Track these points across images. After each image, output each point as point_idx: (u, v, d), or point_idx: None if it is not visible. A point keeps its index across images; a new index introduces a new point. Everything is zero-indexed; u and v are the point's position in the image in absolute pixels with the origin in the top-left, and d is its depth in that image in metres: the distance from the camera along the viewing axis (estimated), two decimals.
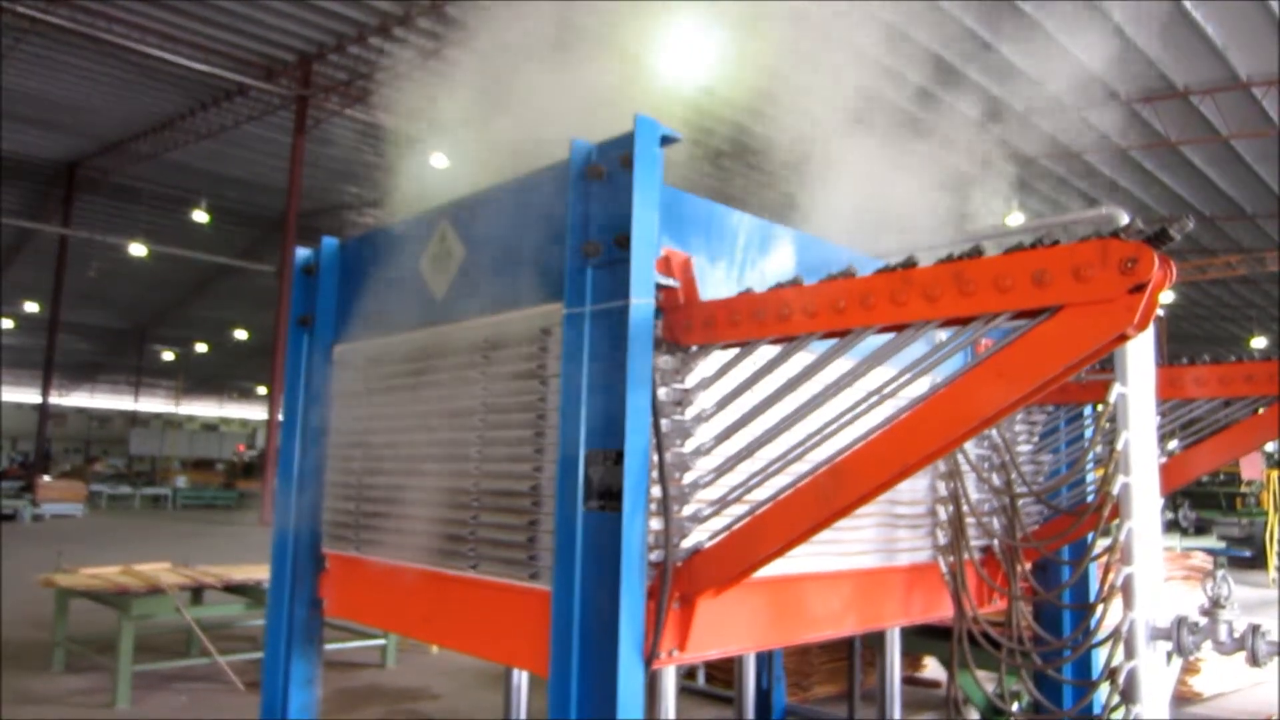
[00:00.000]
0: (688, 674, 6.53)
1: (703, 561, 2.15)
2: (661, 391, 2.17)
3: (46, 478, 25.37)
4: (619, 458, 2.05)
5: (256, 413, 56.26)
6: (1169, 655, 2.80)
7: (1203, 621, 2.81)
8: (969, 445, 3.10)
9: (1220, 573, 2.89)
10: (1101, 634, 2.88)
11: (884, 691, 3.57)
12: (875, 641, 3.65)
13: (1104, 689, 2.84)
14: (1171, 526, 15.36)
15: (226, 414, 62.81)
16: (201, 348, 48.96)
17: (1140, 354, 2.95)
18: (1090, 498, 3.36)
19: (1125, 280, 1.56)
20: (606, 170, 2.21)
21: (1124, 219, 3.00)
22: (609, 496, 2.06)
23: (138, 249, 28.11)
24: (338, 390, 3.17)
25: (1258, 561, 15.52)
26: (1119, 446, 2.87)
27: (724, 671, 6.26)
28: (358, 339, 3.12)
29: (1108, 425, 2.97)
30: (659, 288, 2.18)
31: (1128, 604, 2.80)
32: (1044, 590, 3.41)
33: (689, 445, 2.20)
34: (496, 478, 2.46)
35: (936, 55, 14.72)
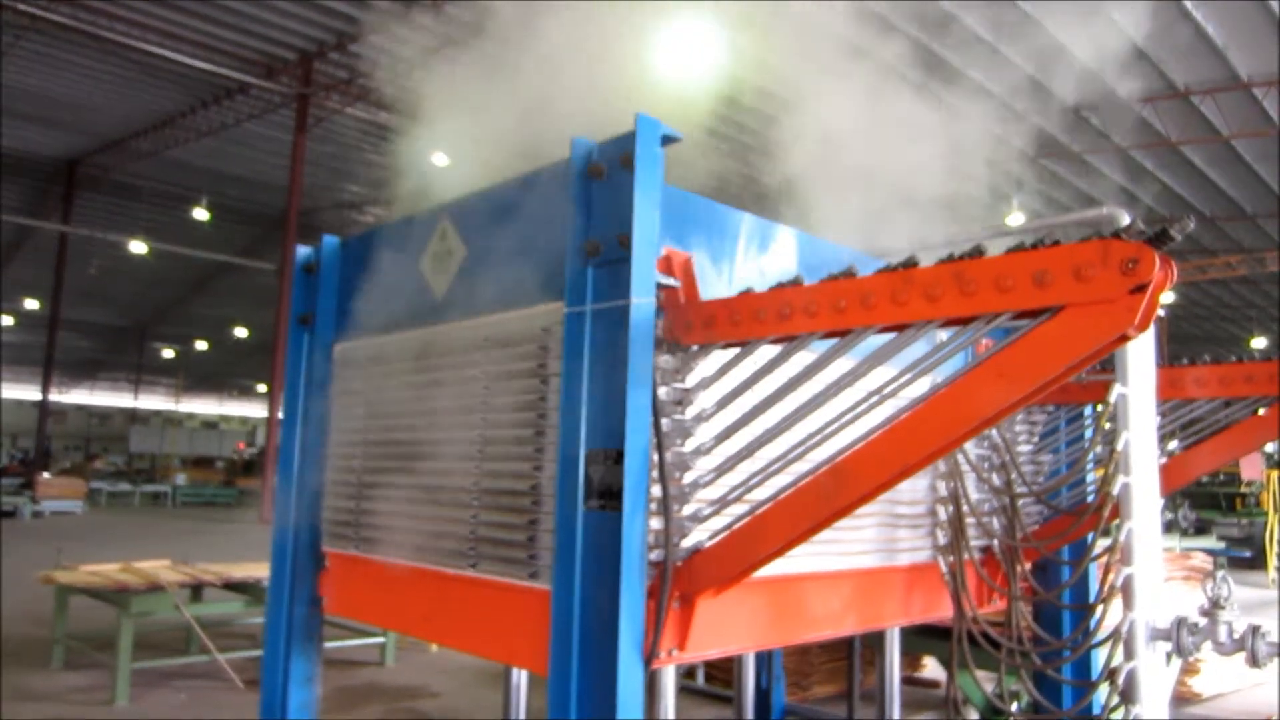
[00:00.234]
0: (687, 673, 6.53)
1: (703, 561, 2.15)
2: (662, 391, 2.17)
3: (46, 475, 25.36)
4: (619, 457, 2.05)
5: (256, 410, 56.27)
6: (1168, 656, 2.80)
7: (1202, 622, 2.81)
8: (969, 445, 3.10)
9: (1220, 573, 2.89)
10: (1101, 634, 2.88)
11: (883, 691, 3.57)
12: (875, 641, 3.65)
13: (1103, 689, 2.84)
14: (1171, 527, 15.36)
15: (226, 412, 62.82)
16: (202, 345, 48.96)
17: (1141, 354, 2.95)
18: (1090, 498, 3.36)
19: (1126, 281, 1.56)
20: (607, 169, 2.21)
21: (1125, 219, 2.99)
22: (609, 496, 2.06)
23: (138, 246, 28.11)
24: (338, 389, 3.17)
25: (1257, 562, 15.52)
26: (1119, 447, 2.87)
27: (723, 671, 6.27)
28: (358, 337, 3.12)
29: (1108, 425, 2.97)
30: (660, 287, 2.18)
31: (1127, 604, 2.80)
32: (1044, 590, 3.42)
33: (689, 445, 2.20)
34: (497, 476, 2.46)
35: (936, 55, 14.72)
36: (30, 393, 43.55)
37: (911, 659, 6.72)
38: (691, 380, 2.24)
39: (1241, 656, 2.80)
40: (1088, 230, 1.73)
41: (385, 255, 3.05)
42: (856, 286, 1.89)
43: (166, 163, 26.22)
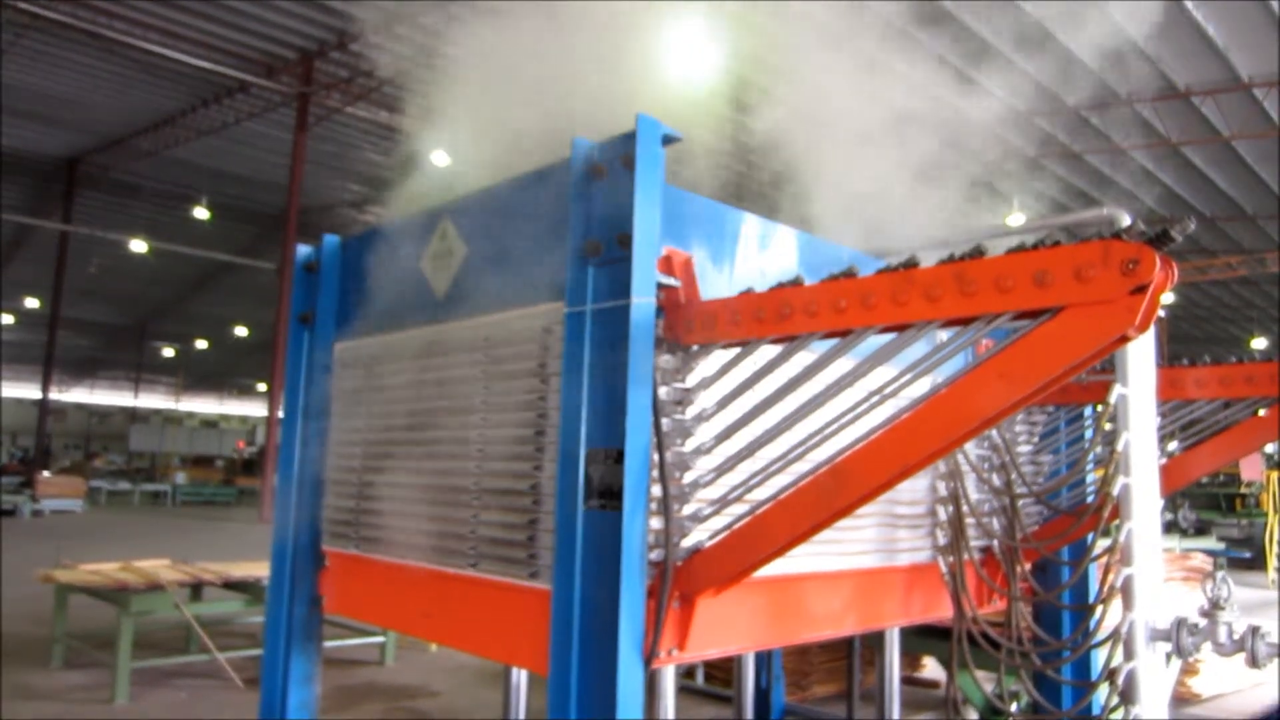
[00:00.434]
0: (687, 673, 6.53)
1: (703, 561, 2.15)
2: (662, 390, 2.17)
3: (46, 473, 25.36)
4: (619, 456, 2.05)
5: (256, 409, 56.25)
6: (1168, 656, 2.80)
7: (1202, 623, 2.81)
8: (969, 445, 3.10)
9: (1220, 574, 2.89)
10: (1101, 635, 2.88)
11: (883, 691, 3.57)
12: (874, 641, 3.65)
13: (1103, 690, 2.84)
14: (1171, 527, 15.37)
15: (226, 410, 62.81)
16: (202, 344, 48.96)
17: (1141, 355, 2.95)
18: (1090, 498, 3.36)
19: (1127, 281, 1.56)
20: (608, 169, 2.21)
21: (1126, 220, 2.99)
22: (609, 495, 2.06)
23: (138, 245, 28.11)
24: (338, 388, 3.17)
25: (1257, 563, 15.53)
26: (1119, 447, 2.87)
27: (723, 670, 6.27)
28: (359, 337, 3.12)
29: (1108, 426, 2.97)
30: (660, 287, 2.18)
31: (1127, 605, 2.80)
32: (1043, 591, 3.42)
33: (689, 444, 2.20)
34: (497, 476, 2.46)
35: (936, 55, 14.71)
36: (30, 391, 43.55)
37: (911, 659, 6.72)
38: (692, 380, 2.24)
39: (1241, 657, 2.80)
40: (1088, 230, 1.73)
41: (386, 254, 3.05)
42: (857, 286, 1.89)
43: (167, 161, 26.21)
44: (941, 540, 3.07)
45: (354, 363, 3.12)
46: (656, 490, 2.11)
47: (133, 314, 43.36)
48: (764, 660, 4.51)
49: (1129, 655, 2.77)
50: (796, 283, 2.02)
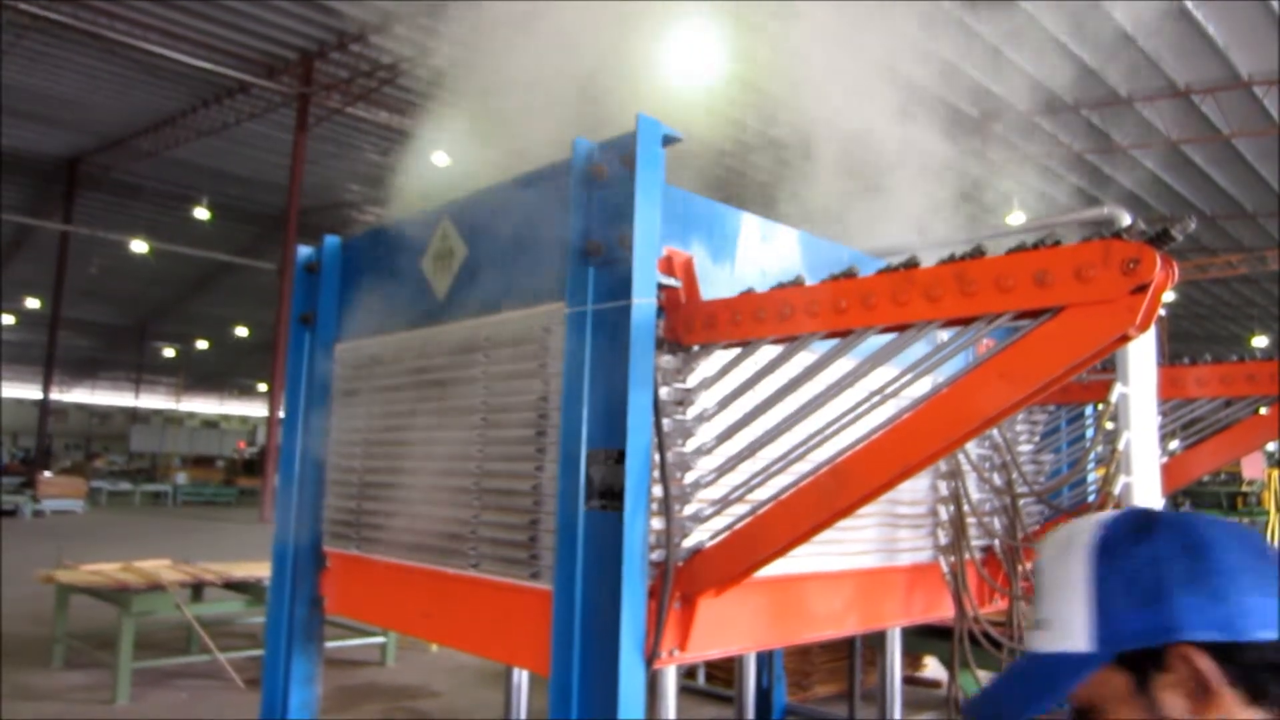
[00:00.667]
0: (688, 673, 6.53)
1: (704, 561, 2.15)
2: (663, 391, 2.17)
3: (47, 474, 25.38)
4: (620, 457, 2.05)
5: (257, 410, 56.27)
6: None
7: None
8: (970, 445, 3.10)
9: None
10: None
11: (884, 691, 3.57)
12: (876, 641, 3.65)
13: None
14: None
15: (227, 411, 62.85)
16: (202, 344, 48.99)
17: (1142, 354, 2.94)
18: (1091, 498, 3.36)
19: (1127, 281, 1.56)
20: (608, 170, 2.21)
21: (1126, 219, 2.99)
22: (610, 496, 2.06)
23: (139, 246, 28.12)
24: (339, 388, 3.17)
25: None
26: (1120, 446, 2.87)
27: (724, 671, 6.27)
28: (359, 337, 3.12)
29: (1109, 425, 2.97)
30: (661, 287, 2.18)
31: None
32: None
33: (690, 445, 2.20)
34: (498, 476, 2.46)
35: (936, 54, 14.71)
36: (31, 391, 43.58)
37: (913, 659, 6.72)
38: (693, 380, 2.24)
39: None
40: (1088, 230, 1.73)
41: (386, 255, 3.05)
42: (857, 286, 1.89)
43: (167, 162, 26.22)
44: (943, 540, 3.07)
45: (355, 363, 3.12)
46: (658, 491, 2.10)
47: (133, 314, 43.39)
48: (765, 660, 4.50)
49: None
50: (797, 283, 2.02)
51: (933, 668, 6.93)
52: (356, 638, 7.32)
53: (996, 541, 3.22)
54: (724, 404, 2.18)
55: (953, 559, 3.03)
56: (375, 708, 6.21)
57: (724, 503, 2.17)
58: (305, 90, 20.86)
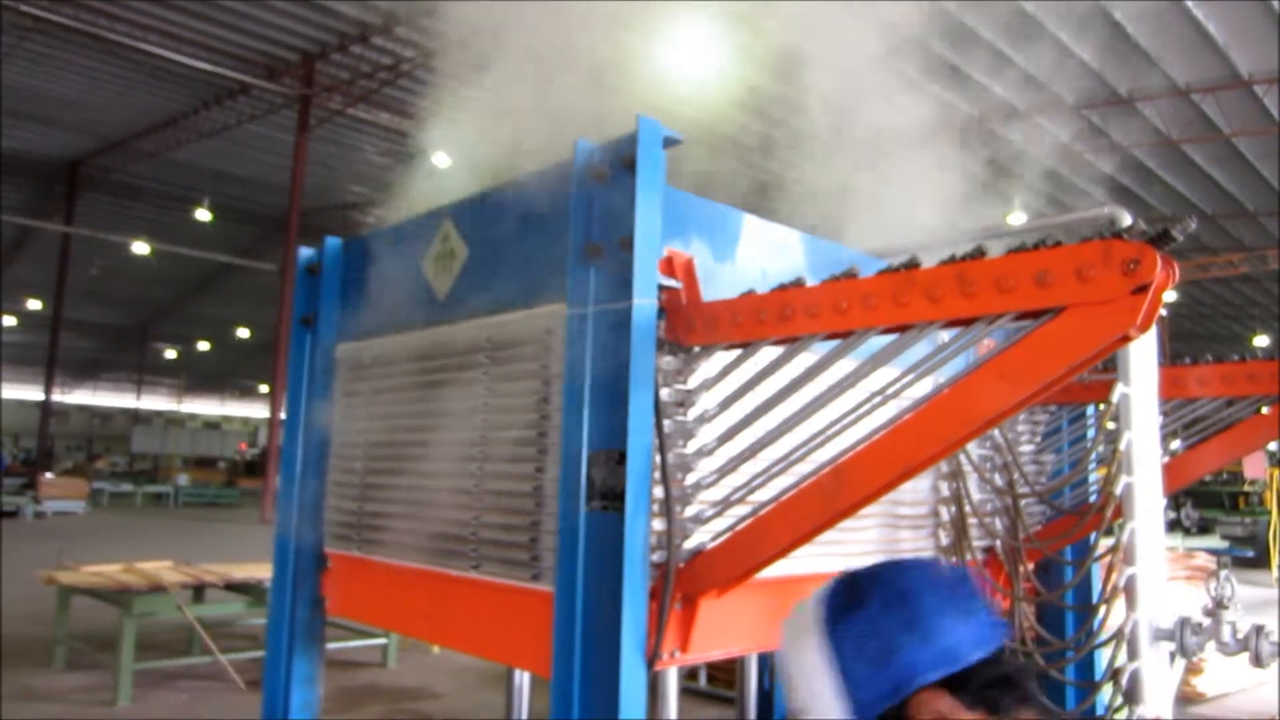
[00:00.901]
0: (689, 675, 6.53)
1: (705, 562, 2.15)
2: (664, 392, 2.17)
3: (49, 475, 25.40)
4: (621, 458, 2.05)
5: (258, 411, 56.27)
6: (1172, 656, 2.80)
7: (1206, 622, 2.80)
8: (971, 445, 3.09)
9: (1223, 573, 2.89)
10: (1104, 635, 2.87)
11: None
12: None
13: (1107, 690, 2.83)
14: (1175, 526, 15.35)
15: (228, 412, 62.88)
16: (204, 346, 49.02)
17: (1143, 354, 2.94)
18: (1093, 498, 3.36)
19: (1128, 281, 1.56)
20: (609, 171, 2.21)
21: (1127, 219, 2.99)
22: (611, 497, 2.06)
23: (140, 247, 28.13)
24: (340, 390, 3.17)
25: (1261, 561, 15.51)
26: (1122, 446, 2.86)
27: (726, 672, 6.26)
28: (360, 338, 3.12)
29: (1110, 425, 2.97)
30: (661, 288, 2.18)
31: (1131, 605, 2.80)
32: (1046, 591, 3.41)
33: (691, 446, 2.20)
34: (499, 478, 2.46)
35: (934, 54, 14.71)
36: (33, 393, 43.58)
37: None
38: (694, 381, 2.24)
39: (1245, 656, 2.79)
40: (1089, 230, 1.73)
41: (387, 256, 3.05)
42: (858, 287, 1.89)
43: (169, 163, 26.25)
44: (944, 541, 3.07)
45: (356, 364, 3.12)
46: (659, 492, 2.11)
47: (135, 315, 43.42)
48: (767, 661, 4.50)
49: (1133, 655, 2.77)
50: (798, 284, 2.02)
51: None
52: (358, 639, 7.33)
53: (998, 542, 3.21)
54: (725, 405, 2.18)
55: (954, 559, 3.03)
56: (377, 709, 6.21)
57: (725, 504, 2.17)
58: (306, 91, 20.87)
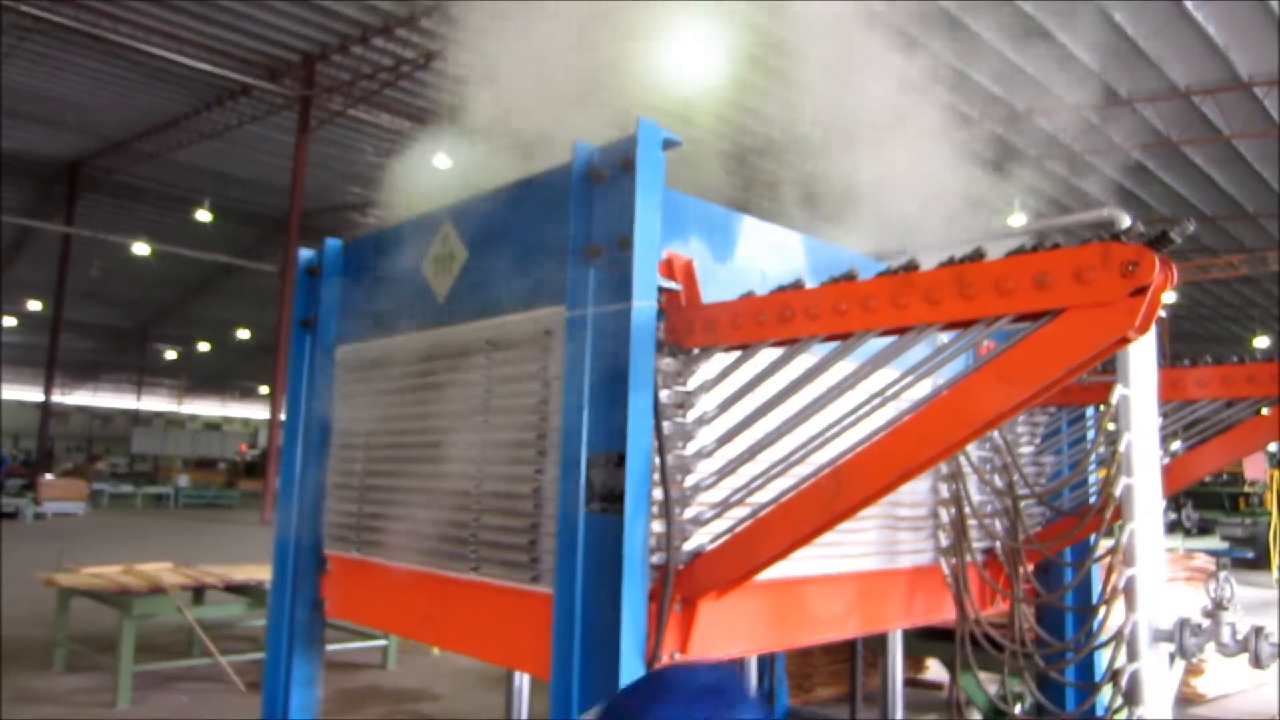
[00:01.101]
0: None
1: (704, 564, 2.15)
2: (663, 394, 2.17)
3: (49, 476, 25.39)
4: (621, 460, 2.05)
5: (259, 412, 56.25)
6: (1172, 657, 2.80)
7: (1205, 623, 2.80)
8: (971, 447, 3.09)
9: (1223, 574, 2.89)
10: (1104, 636, 2.87)
11: (886, 693, 3.57)
12: (877, 643, 3.64)
13: (1107, 691, 2.83)
14: (1175, 527, 15.34)
15: (229, 413, 62.86)
16: (204, 347, 49.02)
17: (1142, 356, 2.94)
18: (1093, 499, 3.36)
19: (1126, 283, 1.56)
20: (608, 173, 2.21)
21: (1125, 221, 2.99)
22: (611, 499, 2.06)
23: (141, 248, 28.14)
24: (340, 391, 3.18)
25: (1261, 562, 15.50)
26: (1121, 448, 2.86)
27: None
28: (360, 340, 3.12)
29: (1110, 427, 2.97)
30: (661, 290, 2.18)
31: (1130, 606, 2.80)
32: (1046, 592, 3.41)
33: (691, 448, 2.20)
34: (498, 480, 2.46)
35: (934, 54, 14.71)
36: (33, 394, 43.59)
37: (914, 661, 6.71)
38: (693, 383, 2.24)
39: (1245, 657, 2.79)
40: (1088, 232, 1.73)
41: (387, 258, 3.06)
42: (857, 289, 1.89)
43: (169, 164, 26.26)
44: (944, 542, 3.07)
45: (356, 366, 3.13)
46: (658, 493, 2.11)
47: (135, 316, 43.43)
48: (767, 663, 4.50)
49: (1132, 656, 2.76)
50: (797, 285, 2.02)
51: (935, 670, 6.92)
52: (358, 640, 7.32)
53: (998, 543, 3.21)
54: (724, 407, 2.18)
55: (954, 561, 3.03)
56: (376, 711, 6.20)
57: (724, 505, 2.17)
58: (307, 93, 20.88)
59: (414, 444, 2.80)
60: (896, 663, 3.55)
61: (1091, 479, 3.48)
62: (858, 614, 2.80)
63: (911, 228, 3.39)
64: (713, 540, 2.17)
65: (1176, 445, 3.51)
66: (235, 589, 6.98)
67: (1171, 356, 3.60)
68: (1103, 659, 2.94)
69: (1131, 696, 2.75)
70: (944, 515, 3.07)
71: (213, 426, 57.48)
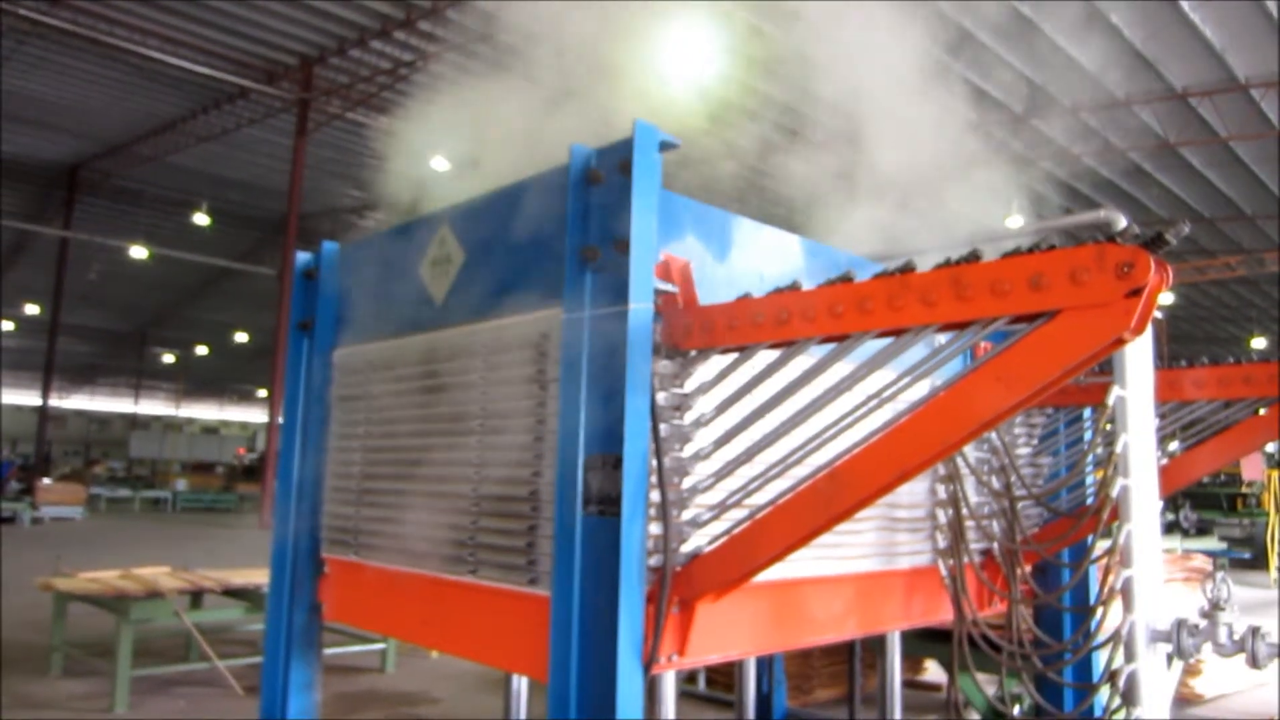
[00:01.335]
0: (688, 678, 6.52)
1: (702, 566, 2.15)
2: (660, 396, 2.17)
3: (46, 480, 25.34)
4: (618, 463, 2.05)
5: (256, 416, 56.28)
6: (1169, 658, 2.80)
7: (1202, 624, 2.80)
8: (968, 448, 3.10)
9: (1220, 574, 2.89)
10: (1102, 636, 2.87)
11: (885, 695, 3.57)
12: (876, 645, 3.64)
13: (1105, 691, 2.83)
14: (1173, 528, 15.35)
15: (226, 417, 62.83)
16: (202, 350, 48.97)
17: (1139, 357, 2.95)
18: (1090, 500, 3.36)
19: (1122, 284, 1.56)
20: (605, 175, 2.21)
21: (1121, 222, 3.00)
22: (608, 501, 2.06)
23: (138, 251, 28.12)
24: (337, 394, 3.17)
25: (1258, 562, 15.52)
26: (1118, 449, 2.87)
27: (724, 675, 6.26)
28: (358, 343, 3.12)
29: (1107, 428, 2.97)
30: (658, 292, 2.19)
31: (1128, 606, 2.80)
32: (1044, 593, 3.41)
33: (688, 450, 2.20)
34: (496, 483, 2.46)
35: (935, 55, 14.74)
36: (30, 398, 43.55)
37: (912, 662, 6.71)
38: (690, 385, 2.24)
39: (1242, 658, 2.79)
40: (1084, 233, 1.73)
41: (385, 261, 3.06)
42: (853, 291, 1.90)
43: (167, 168, 26.24)
44: (941, 543, 3.07)
45: (353, 369, 3.12)
46: (655, 496, 2.11)
47: (133, 320, 43.39)
48: (765, 665, 4.50)
49: (1130, 657, 2.77)
50: (794, 288, 2.02)
51: (933, 671, 6.92)
52: (356, 644, 7.31)
53: (995, 545, 3.22)
54: (721, 409, 2.18)
55: (951, 562, 3.03)
56: (375, 714, 6.19)
57: (722, 507, 2.17)
58: (305, 95, 20.88)
59: (412, 447, 2.80)
60: (895, 664, 3.55)
61: (1089, 480, 3.49)
62: (856, 615, 2.80)
63: (910, 229, 3.40)
64: (710, 542, 2.17)
65: (1174, 446, 3.52)
66: (233, 593, 6.97)
67: (1169, 358, 3.60)
68: (1100, 660, 2.94)
69: (1129, 697, 2.75)
70: (942, 516, 3.07)
71: (211, 430, 57.49)
